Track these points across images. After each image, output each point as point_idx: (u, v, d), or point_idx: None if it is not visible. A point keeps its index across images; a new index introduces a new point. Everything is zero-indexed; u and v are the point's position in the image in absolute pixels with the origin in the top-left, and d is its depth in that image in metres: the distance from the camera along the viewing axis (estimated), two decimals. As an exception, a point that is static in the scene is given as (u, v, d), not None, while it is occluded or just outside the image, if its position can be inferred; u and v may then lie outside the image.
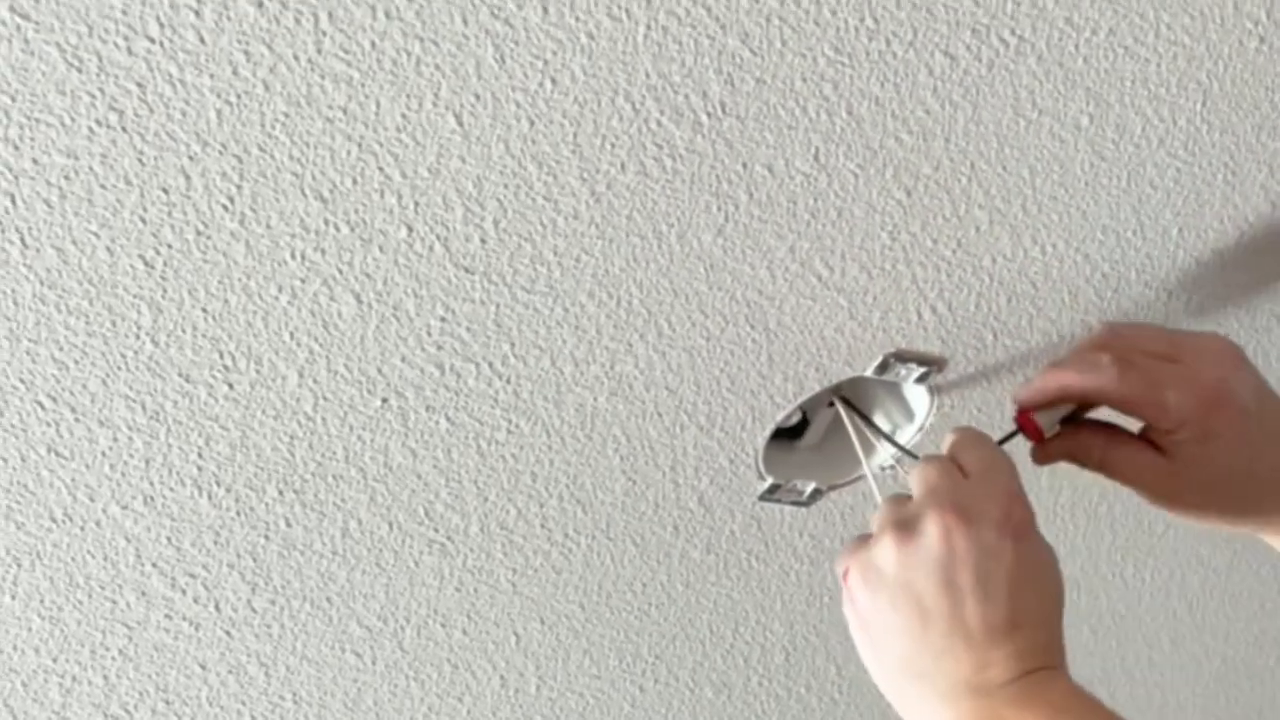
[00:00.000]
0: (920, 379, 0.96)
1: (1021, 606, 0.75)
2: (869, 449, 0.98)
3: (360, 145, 0.71)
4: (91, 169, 0.68)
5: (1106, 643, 1.34)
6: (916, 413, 1.01)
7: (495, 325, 0.82)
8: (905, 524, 0.77)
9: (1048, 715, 0.73)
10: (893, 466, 1.01)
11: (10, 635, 0.90)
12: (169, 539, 0.88)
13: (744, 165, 0.78)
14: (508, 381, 0.86)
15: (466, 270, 0.79)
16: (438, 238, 0.76)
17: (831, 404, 0.98)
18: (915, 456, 0.94)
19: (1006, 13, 0.75)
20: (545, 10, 0.68)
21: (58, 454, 0.81)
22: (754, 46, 0.72)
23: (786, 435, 1.01)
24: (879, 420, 1.01)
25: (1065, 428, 0.87)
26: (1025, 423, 0.86)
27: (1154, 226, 0.91)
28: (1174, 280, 0.96)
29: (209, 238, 0.73)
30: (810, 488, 1.02)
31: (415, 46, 0.68)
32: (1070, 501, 1.14)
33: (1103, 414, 0.87)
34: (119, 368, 0.77)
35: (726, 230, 0.81)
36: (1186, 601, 1.32)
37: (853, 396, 0.98)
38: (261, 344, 0.79)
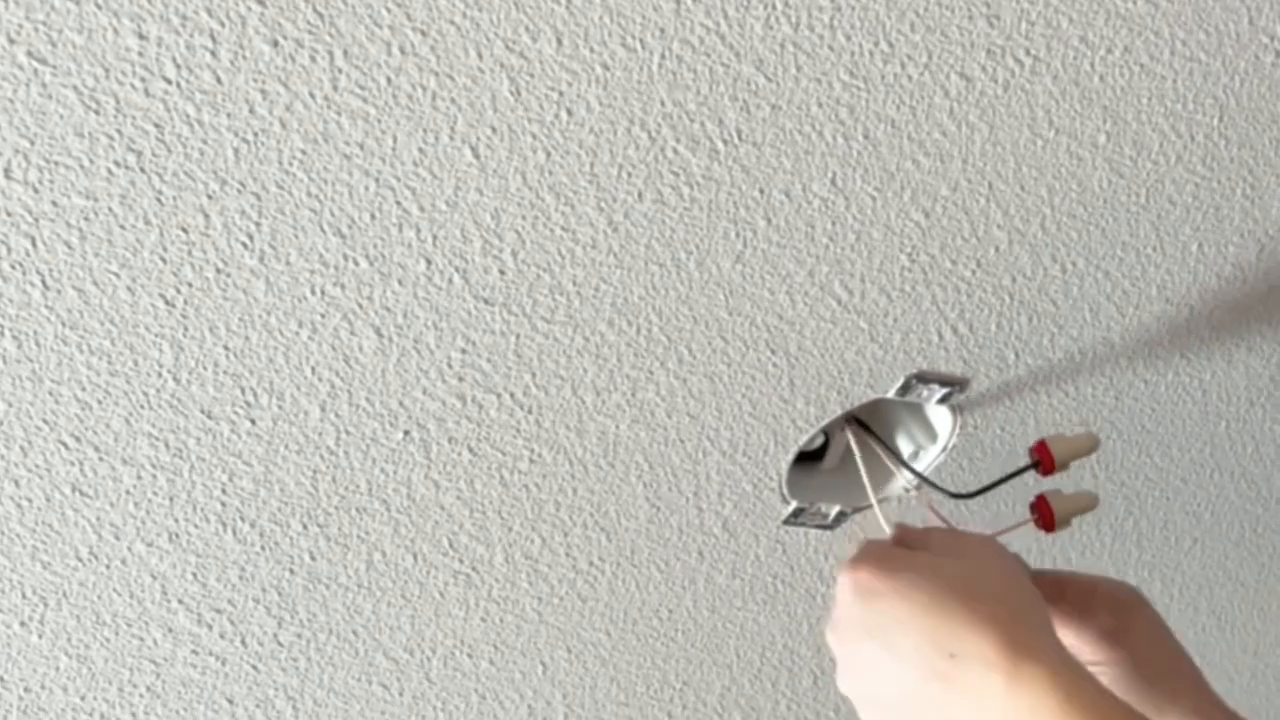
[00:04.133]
0: (943, 399, 0.95)
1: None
2: (884, 474, 0.98)
3: (378, 180, 0.71)
4: (111, 210, 0.68)
5: (1136, 659, 1.33)
6: (939, 433, 1.00)
7: (516, 356, 0.82)
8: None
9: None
10: (916, 488, 1.00)
11: (39, 674, 0.90)
12: (194, 575, 0.88)
13: (761, 191, 0.78)
14: (529, 411, 0.86)
15: (486, 302, 0.79)
16: (457, 270, 0.76)
17: (843, 429, 0.98)
18: (926, 480, 0.94)
19: (1021, 33, 0.75)
20: (559, 42, 0.68)
21: (82, 493, 0.81)
22: (769, 73, 0.72)
23: (809, 459, 1.01)
24: (901, 442, 1.01)
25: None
26: (1043, 455, 0.87)
27: (1173, 242, 0.91)
28: (1195, 296, 0.95)
29: (229, 275, 0.73)
30: (834, 510, 1.01)
31: (431, 81, 0.68)
32: (1096, 518, 1.14)
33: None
34: (142, 406, 0.78)
35: (745, 256, 0.81)
36: (1215, 616, 1.32)
37: (873, 419, 0.98)
38: (283, 379, 0.79)
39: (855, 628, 0.81)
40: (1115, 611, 0.86)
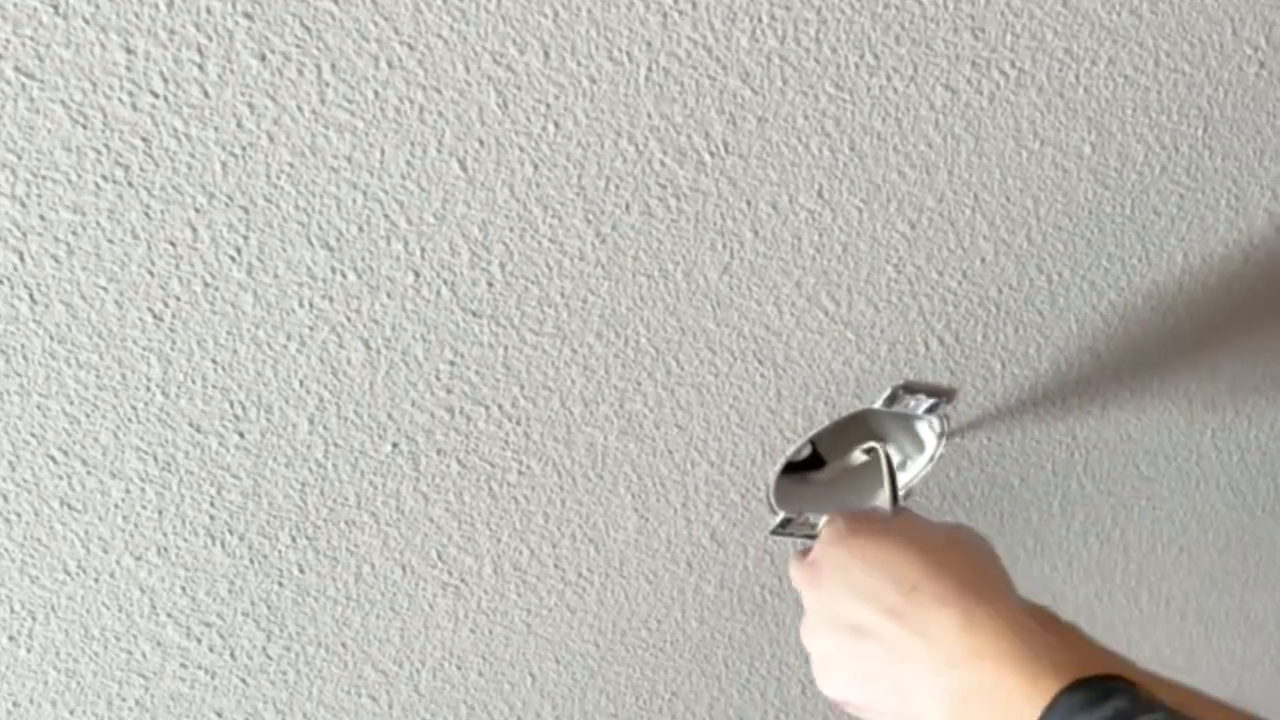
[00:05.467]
0: (929, 410, 0.96)
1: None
2: (874, 485, 0.99)
3: (365, 193, 0.71)
4: (99, 224, 0.68)
5: (1124, 668, 1.33)
6: (926, 444, 1.01)
7: (504, 368, 0.82)
8: None
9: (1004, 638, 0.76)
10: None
11: (27, 689, 0.90)
12: (183, 589, 0.88)
13: (748, 203, 0.78)
14: (518, 423, 0.86)
15: (474, 314, 0.79)
16: (445, 283, 0.77)
17: (870, 451, 0.99)
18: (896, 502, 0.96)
19: (1006, 45, 0.75)
20: (546, 55, 0.68)
21: (70, 507, 0.81)
22: (755, 85, 0.73)
23: (797, 469, 1.01)
24: (890, 452, 1.01)
25: None
26: None
27: (1159, 253, 0.91)
28: (1180, 305, 0.96)
29: (217, 289, 0.73)
30: (822, 521, 1.01)
31: (418, 94, 0.68)
32: (1083, 527, 1.14)
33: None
34: (130, 420, 0.78)
35: (732, 268, 0.81)
36: (1202, 625, 1.32)
37: (860, 430, 0.98)
38: (271, 393, 0.79)
39: (826, 566, 0.88)
40: None
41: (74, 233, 0.68)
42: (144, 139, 0.66)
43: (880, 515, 0.94)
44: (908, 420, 1.00)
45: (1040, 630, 0.77)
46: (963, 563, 0.83)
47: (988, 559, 0.86)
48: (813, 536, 1.03)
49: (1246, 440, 1.13)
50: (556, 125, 0.71)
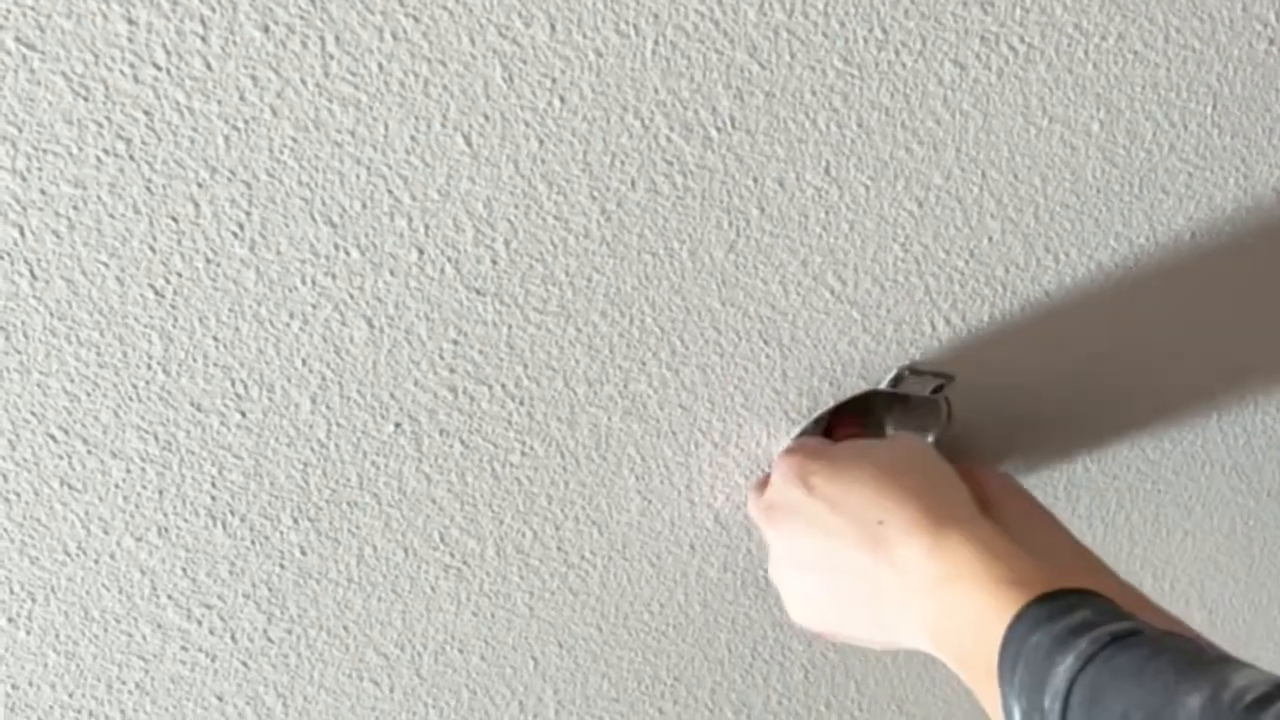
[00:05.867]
0: (934, 391, 0.95)
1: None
2: None
3: (369, 169, 0.71)
4: (100, 199, 0.67)
5: (1127, 653, 1.33)
6: (930, 426, 1.00)
7: (508, 347, 0.82)
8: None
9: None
10: None
11: (26, 671, 0.89)
12: (184, 570, 0.87)
13: (755, 180, 0.78)
14: (521, 403, 0.85)
15: (478, 292, 0.78)
16: (449, 260, 0.76)
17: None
18: None
19: (1015, 20, 0.75)
20: (553, 28, 0.68)
21: (70, 487, 0.80)
22: (763, 60, 0.72)
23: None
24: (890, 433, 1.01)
25: None
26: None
27: (1166, 232, 0.90)
28: (1188, 286, 0.95)
29: (219, 265, 0.72)
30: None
31: (423, 68, 0.67)
32: (1088, 511, 1.14)
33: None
34: (130, 398, 0.77)
35: (738, 246, 0.81)
36: (1207, 610, 1.31)
37: (863, 411, 0.98)
38: (273, 371, 0.78)
39: (786, 508, 0.88)
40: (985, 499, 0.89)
41: (75, 207, 0.68)
42: (146, 112, 0.65)
43: (824, 444, 0.93)
44: (913, 402, 1.00)
45: (1008, 547, 0.77)
46: (924, 485, 0.83)
47: (947, 476, 0.86)
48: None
49: (1253, 424, 1.13)
50: (562, 100, 0.71)
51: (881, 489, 0.83)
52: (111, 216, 0.68)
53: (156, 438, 0.80)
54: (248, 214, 0.71)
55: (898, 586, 0.79)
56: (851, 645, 0.93)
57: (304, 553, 0.89)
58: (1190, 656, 0.64)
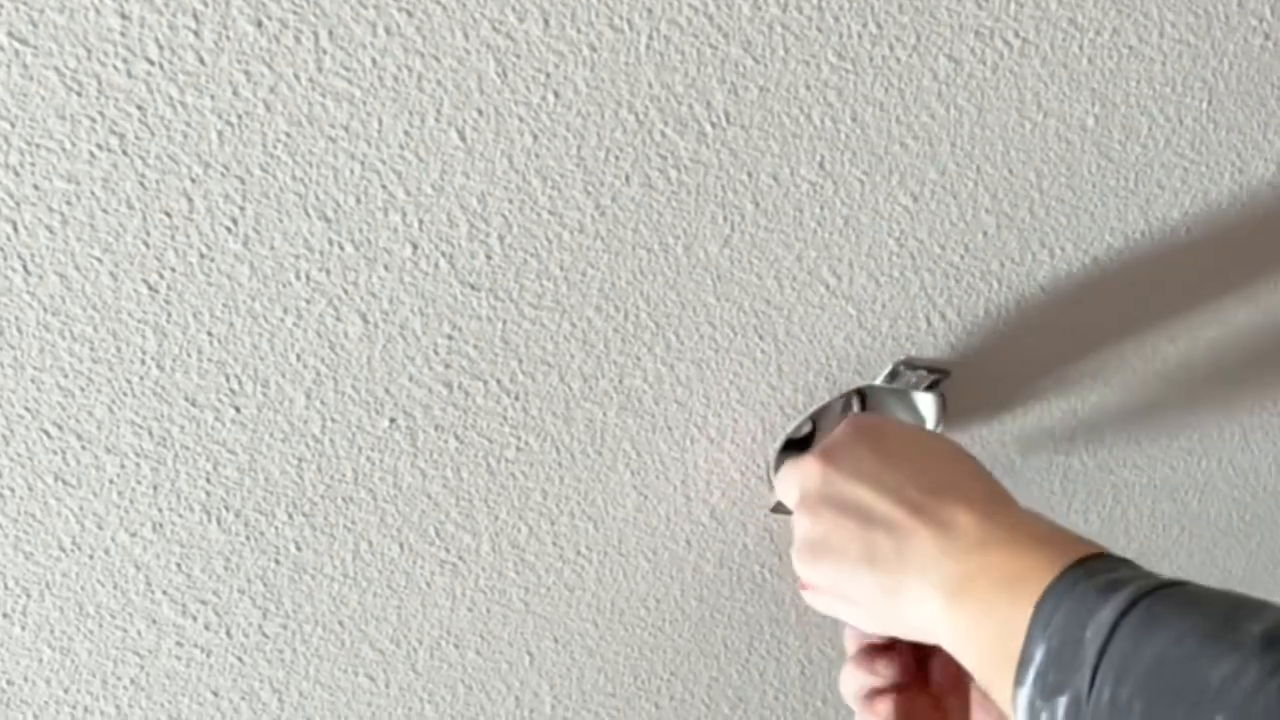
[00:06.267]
0: (930, 386, 0.95)
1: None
2: None
3: (363, 163, 0.70)
4: (93, 194, 0.67)
5: (1123, 648, 1.33)
6: (926, 420, 1.00)
7: (502, 342, 0.82)
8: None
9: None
10: None
11: (21, 667, 0.89)
12: (178, 565, 0.87)
13: (749, 175, 0.78)
14: (516, 398, 0.85)
15: (472, 287, 0.78)
16: (443, 255, 0.76)
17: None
18: None
19: (1010, 15, 0.75)
20: (546, 23, 0.67)
21: (65, 482, 0.80)
22: (757, 55, 0.72)
23: (797, 446, 1.00)
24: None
25: None
26: None
27: (1161, 227, 0.90)
28: (1184, 281, 0.95)
29: (213, 260, 0.72)
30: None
31: (416, 62, 0.67)
32: (1084, 505, 1.14)
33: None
34: (125, 394, 0.77)
35: (733, 241, 0.81)
36: (1203, 605, 1.31)
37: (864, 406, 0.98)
38: (268, 366, 0.78)
39: (843, 454, 0.85)
40: None
41: (68, 203, 0.67)
42: (139, 107, 0.65)
43: (896, 420, 0.93)
44: (908, 396, 1.00)
45: (1049, 523, 0.77)
46: (981, 474, 0.83)
47: (995, 480, 0.85)
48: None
49: (1250, 419, 1.13)
50: (556, 94, 0.71)
51: (946, 464, 0.83)
52: (105, 211, 0.68)
53: (151, 433, 0.79)
54: (241, 209, 0.70)
55: (938, 550, 0.77)
56: (836, 616, 0.91)
57: (299, 548, 0.89)
58: (1245, 596, 0.64)
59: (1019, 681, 0.67)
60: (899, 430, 0.87)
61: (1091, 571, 0.69)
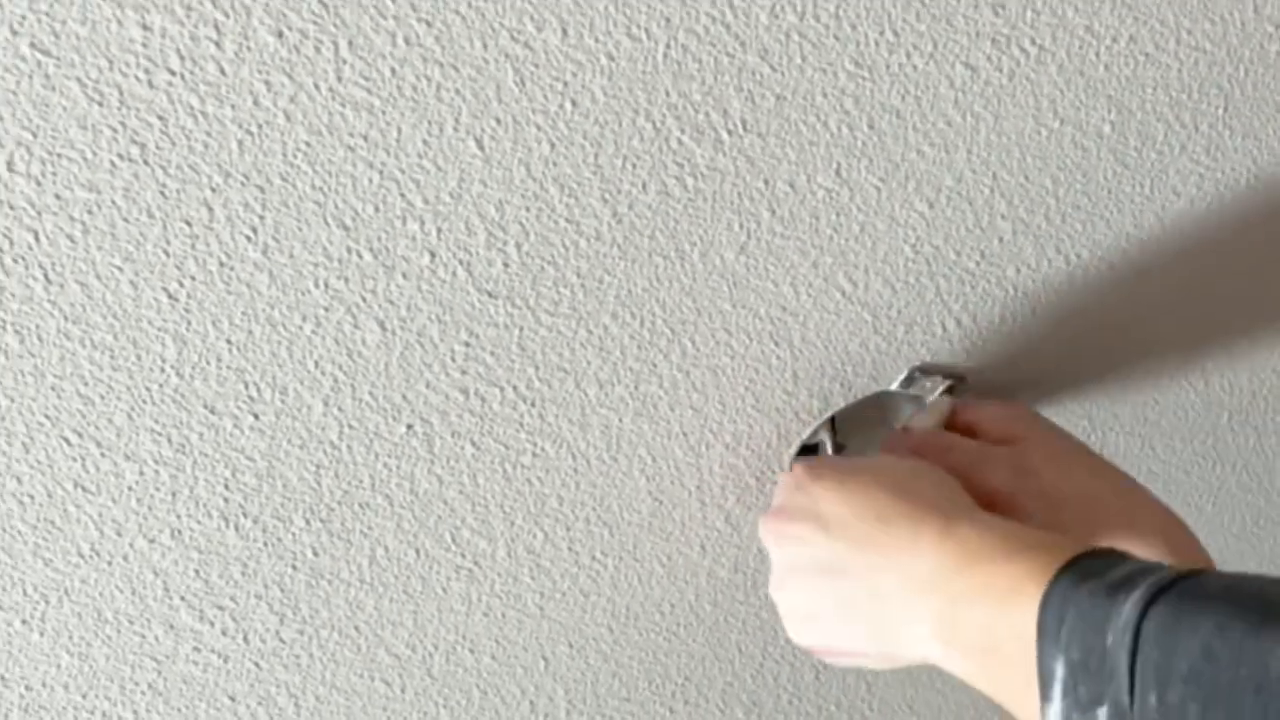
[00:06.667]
0: (946, 392, 0.95)
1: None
2: None
3: (382, 172, 0.71)
4: (114, 203, 0.68)
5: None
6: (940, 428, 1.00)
7: (519, 349, 0.82)
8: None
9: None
10: None
11: (39, 672, 0.90)
12: (196, 571, 0.88)
13: (766, 182, 0.78)
14: (532, 405, 0.86)
15: (490, 295, 0.78)
16: (461, 263, 0.76)
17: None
18: None
19: (1026, 22, 0.75)
20: (564, 32, 0.68)
21: (84, 489, 0.81)
22: (774, 63, 0.72)
23: (812, 452, 1.00)
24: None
25: None
26: None
27: (1176, 233, 0.90)
28: (1200, 287, 0.95)
29: (232, 269, 0.72)
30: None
31: (435, 72, 0.67)
32: (1098, 511, 1.14)
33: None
34: (144, 401, 0.77)
35: (749, 248, 0.81)
36: (1216, 609, 1.31)
37: (875, 411, 0.98)
38: (286, 374, 0.79)
39: (789, 513, 0.84)
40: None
41: (89, 211, 0.68)
42: (160, 117, 0.65)
43: (831, 458, 0.93)
44: (923, 402, 1.00)
45: (1022, 528, 0.74)
46: (930, 488, 0.80)
47: (953, 486, 0.82)
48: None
49: (1264, 423, 1.13)
50: (574, 103, 0.71)
51: (885, 492, 0.79)
52: (125, 221, 0.69)
53: (170, 440, 0.80)
54: (261, 218, 0.71)
55: (902, 585, 0.75)
56: (859, 668, 0.91)
57: (316, 554, 0.90)
58: (1261, 576, 0.62)
59: (1045, 698, 0.64)
60: (839, 469, 0.84)
61: (1086, 572, 0.66)
